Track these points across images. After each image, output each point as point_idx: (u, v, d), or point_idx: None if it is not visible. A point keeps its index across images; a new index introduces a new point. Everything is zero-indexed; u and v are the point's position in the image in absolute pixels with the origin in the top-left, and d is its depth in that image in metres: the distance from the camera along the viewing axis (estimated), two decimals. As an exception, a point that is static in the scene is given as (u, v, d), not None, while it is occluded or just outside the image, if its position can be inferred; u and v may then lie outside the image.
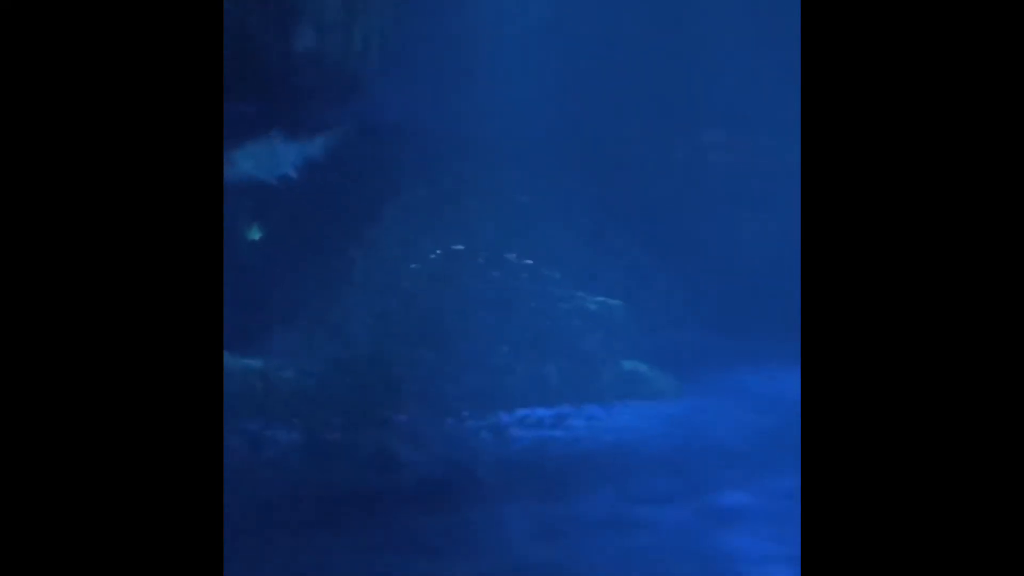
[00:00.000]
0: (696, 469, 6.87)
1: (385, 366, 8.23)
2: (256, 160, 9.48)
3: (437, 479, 6.70)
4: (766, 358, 9.90)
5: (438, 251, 9.13)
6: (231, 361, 9.53)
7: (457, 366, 8.54)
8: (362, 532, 5.64)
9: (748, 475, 6.52)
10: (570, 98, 11.38)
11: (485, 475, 6.76)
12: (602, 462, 7.21)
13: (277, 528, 5.74)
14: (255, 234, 10.61)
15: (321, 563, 5.17)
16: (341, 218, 10.95)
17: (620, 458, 7.32)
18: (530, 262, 9.30)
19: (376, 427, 7.64)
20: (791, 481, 6.15)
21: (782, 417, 7.99)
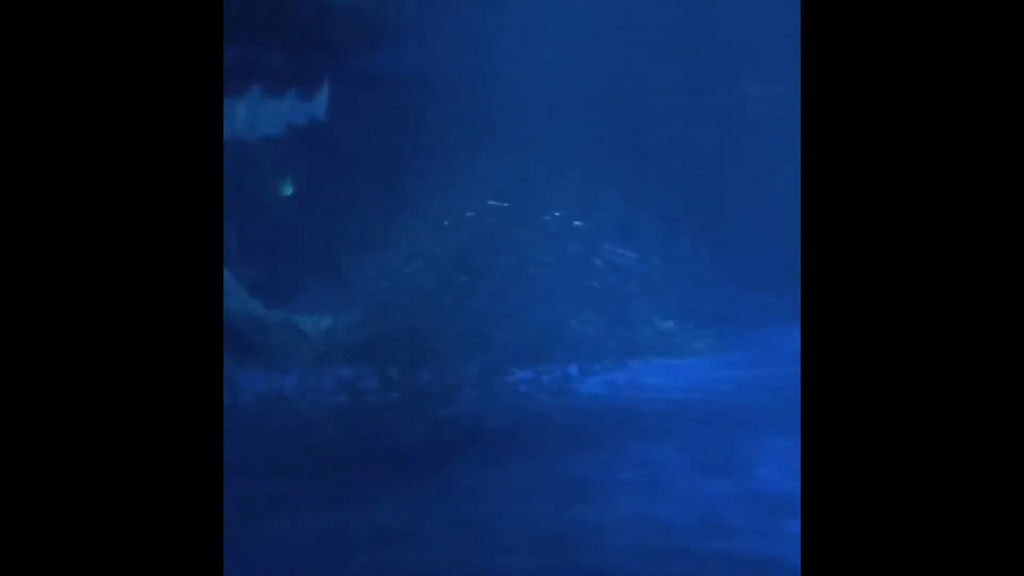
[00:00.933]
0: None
1: (421, 321, 8.24)
2: (285, 111, 9.44)
3: (460, 429, 6.71)
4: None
5: (472, 210, 9.08)
6: (266, 312, 9.63)
7: (492, 322, 8.53)
8: (413, 484, 5.69)
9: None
10: (606, 49, 11.22)
11: (523, 430, 6.80)
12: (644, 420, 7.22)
13: (320, 476, 5.80)
14: (288, 189, 10.63)
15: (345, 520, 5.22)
16: (374, 170, 10.94)
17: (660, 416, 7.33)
18: (563, 216, 9.22)
19: (417, 381, 7.68)
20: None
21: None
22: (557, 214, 8.95)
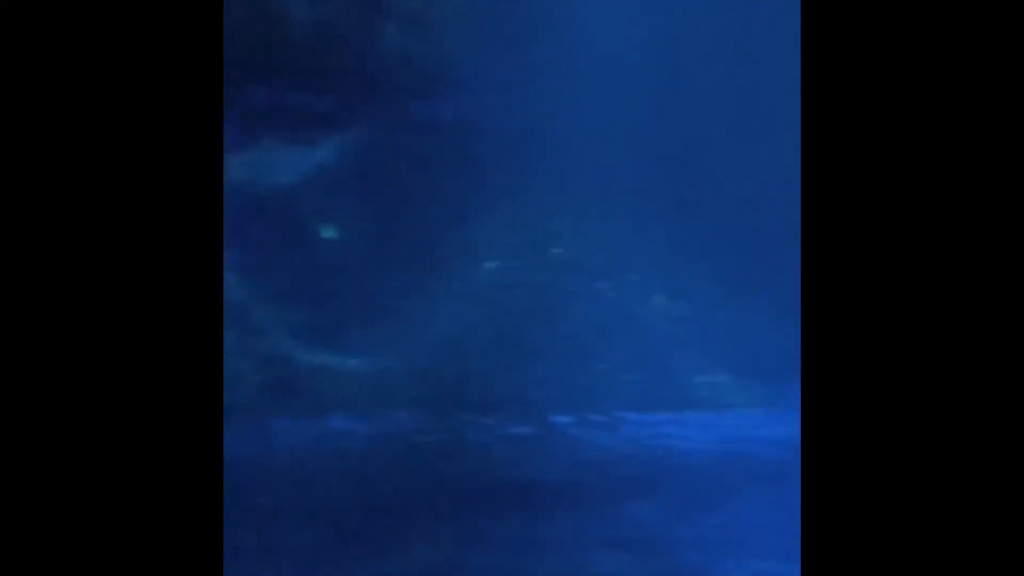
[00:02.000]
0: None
1: (461, 367, 8.17)
2: (332, 153, 9.52)
3: (504, 482, 6.58)
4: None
5: (517, 255, 9.02)
6: (304, 355, 9.60)
7: (534, 369, 8.43)
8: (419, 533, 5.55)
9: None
10: (657, 98, 11.16)
11: (554, 480, 6.65)
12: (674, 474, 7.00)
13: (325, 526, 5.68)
14: (329, 232, 10.64)
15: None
16: (423, 215, 10.94)
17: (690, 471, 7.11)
18: (610, 264, 9.11)
19: (448, 426, 7.59)
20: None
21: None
22: (610, 267, 8.88)
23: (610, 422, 7.90)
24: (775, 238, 10.70)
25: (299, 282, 10.28)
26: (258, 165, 9.98)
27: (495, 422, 7.64)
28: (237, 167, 10.07)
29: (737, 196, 11.04)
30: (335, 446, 7.40)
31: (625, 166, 10.42)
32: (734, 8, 10.96)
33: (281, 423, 8.39)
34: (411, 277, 10.31)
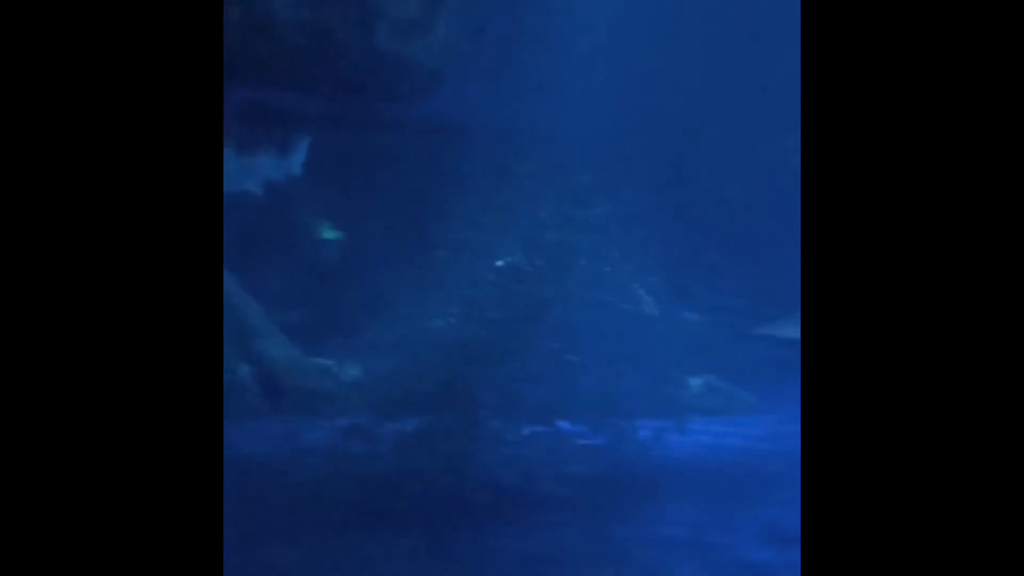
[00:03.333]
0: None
1: (455, 370, 8.14)
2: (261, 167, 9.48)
3: (496, 488, 6.59)
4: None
5: (510, 257, 9.00)
6: (303, 359, 9.60)
7: (528, 374, 8.41)
8: (403, 538, 5.55)
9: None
10: (651, 101, 11.18)
11: (546, 488, 6.65)
12: (672, 480, 7.05)
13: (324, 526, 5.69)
14: (329, 233, 10.64)
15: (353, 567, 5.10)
16: (415, 217, 10.94)
17: (692, 476, 7.15)
18: (604, 268, 9.11)
19: (443, 430, 7.55)
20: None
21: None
22: (606, 269, 8.85)
23: (613, 426, 7.91)
24: (778, 240, 10.77)
25: (296, 283, 10.28)
26: (250, 166, 9.95)
27: (495, 425, 7.61)
28: (229, 168, 10.03)
29: (734, 201, 11.11)
30: (336, 448, 7.36)
31: (623, 164, 10.43)
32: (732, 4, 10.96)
33: (279, 424, 8.38)
34: (406, 277, 10.30)
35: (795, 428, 8.40)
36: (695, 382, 9.12)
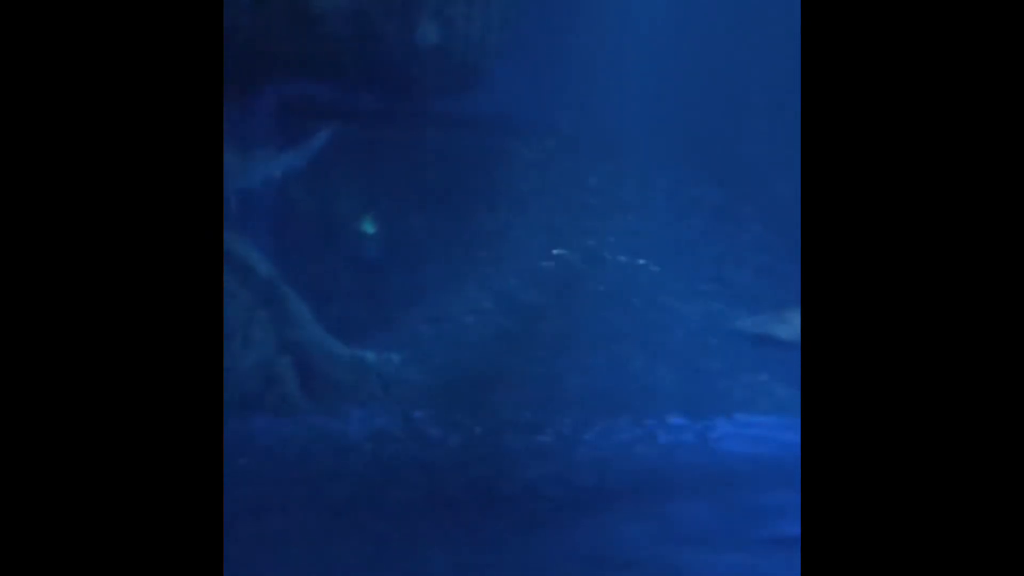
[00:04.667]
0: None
1: (495, 366, 8.12)
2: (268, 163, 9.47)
3: (533, 485, 6.54)
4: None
5: (555, 252, 8.95)
6: (342, 350, 9.61)
7: (568, 369, 8.36)
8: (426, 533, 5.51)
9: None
10: (692, 94, 11.07)
11: (585, 484, 6.60)
12: (712, 477, 6.97)
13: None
14: (369, 227, 10.64)
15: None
16: (457, 213, 10.92)
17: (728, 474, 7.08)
18: (653, 266, 9.03)
19: (479, 426, 7.52)
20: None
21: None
22: (641, 261, 8.77)
23: (646, 425, 7.84)
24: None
25: (337, 277, 10.29)
26: (292, 158, 9.97)
27: (526, 422, 7.56)
28: (269, 160, 10.06)
29: (776, 196, 10.96)
30: (357, 441, 7.35)
31: (663, 161, 10.34)
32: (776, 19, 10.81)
33: (321, 416, 8.39)
34: (443, 272, 10.29)
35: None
36: (738, 378, 9.03)
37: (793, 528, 5.59)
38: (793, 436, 8.18)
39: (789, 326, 5.44)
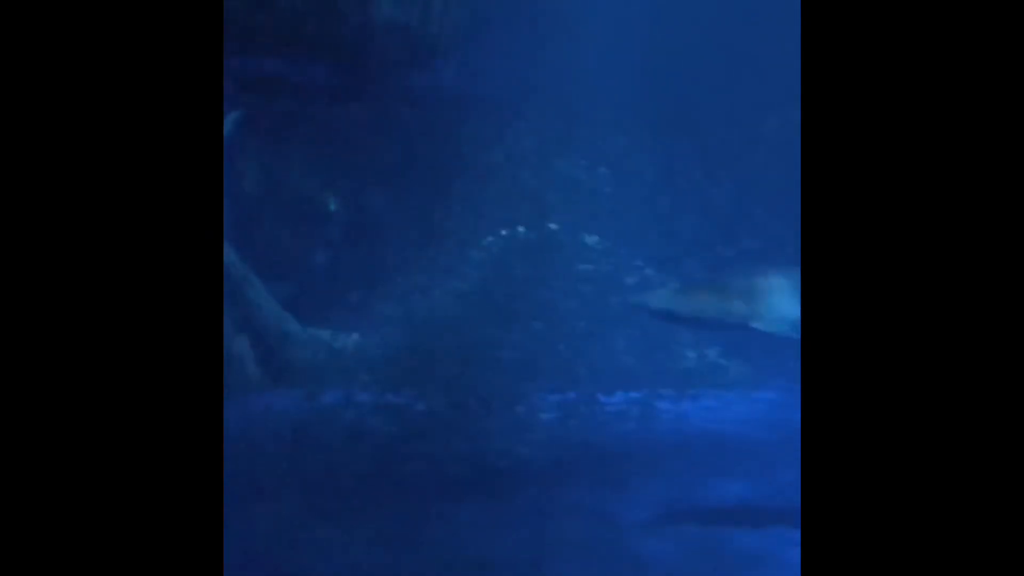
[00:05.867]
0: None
1: (453, 342, 8.12)
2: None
3: (487, 461, 6.60)
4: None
5: (517, 228, 8.93)
6: (299, 329, 9.60)
7: (525, 345, 8.38)
8: (380, 519, 5.55)
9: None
10: (654, 69, 11.04)
11: (539, 459, 6.67)
12: (662, 452, 7.06)
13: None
14: (331, 204, 10.58)
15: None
16: (416, 190, 10.89)
17: (682, 449, 7.16)
18: (603, 240, 9.05)
19: (436, 402, 7.55)
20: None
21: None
22: (596, 239, 8.79)
23: (594, 400, 7.93)
24: (767, 214, 10.71)
25: (293, 255, 10.24)
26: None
27: (495, 399, 7.61)
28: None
29: (735, 175, 11.02)
30: (333, 421, 7.37)
31: (634, 140, 10.33)
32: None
33: (278, 397, 8.40)
34: (408, 250, 10.26)
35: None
36: (691, 354, 9.12)
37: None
38: (745, 411, 8.32)
39: (691, 302, 5.60)
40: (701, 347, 9.25)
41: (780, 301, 5.56)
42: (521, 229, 8.87)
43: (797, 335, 5.39)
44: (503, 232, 8.83)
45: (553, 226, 8.86)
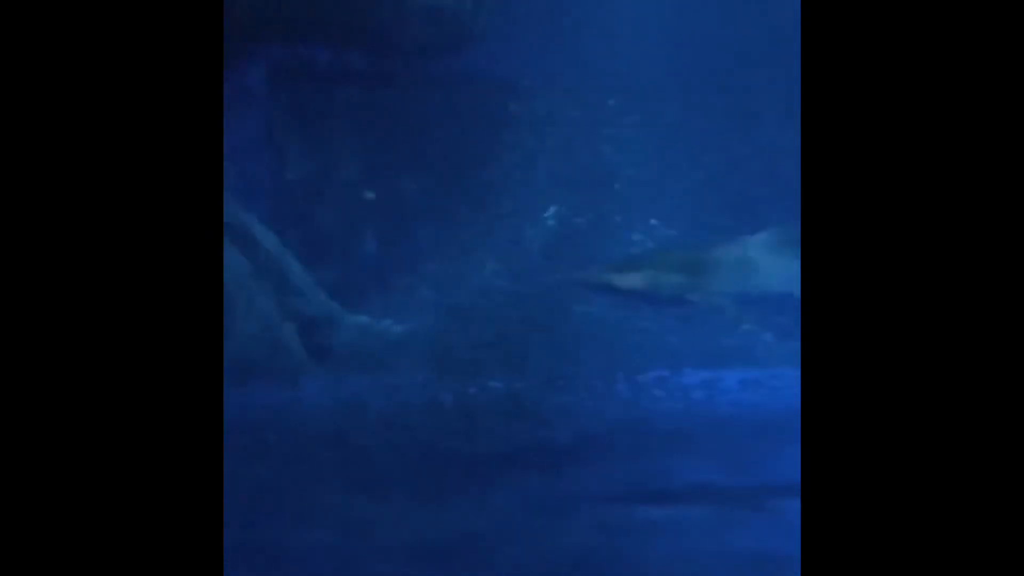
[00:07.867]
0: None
1: (497, 327, 8.14)
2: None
3: (536, 443, 6.62)
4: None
5: (552, 209, 8.93)
6: (343, 314, 9.64)
7: (570, 328, 8.38)
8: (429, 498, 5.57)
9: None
10: (688, 53, 11.00)
11: (583, 439, 6.70)
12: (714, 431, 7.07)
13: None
14: (370, 192, 10.61)
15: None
16: (452, 175, 10.89)
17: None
18: (644, 221, 9.03)
19: (484, 386, 7.58)
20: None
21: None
22: (653, 222, 8.78)
23: (652, 381, 7.93)
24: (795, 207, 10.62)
25: (336, 242, 10.28)
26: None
27: (533, 383, 7.62)
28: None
29: (781, 153, 10.96)
30: (362, 405, 7.39)
31: (660, 121, 10.29)
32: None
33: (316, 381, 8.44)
34: (448, 233, 10.28)
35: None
36: (747, 333, 9.10)
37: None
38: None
39: (628, 276, 5.71)
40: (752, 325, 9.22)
41: (724, 274, 5.72)
42: (564, 211, 8.87)
43: (735, 309, 5.59)
44: (546, 215, 8.83)
45: (594, 211, 8.85)
